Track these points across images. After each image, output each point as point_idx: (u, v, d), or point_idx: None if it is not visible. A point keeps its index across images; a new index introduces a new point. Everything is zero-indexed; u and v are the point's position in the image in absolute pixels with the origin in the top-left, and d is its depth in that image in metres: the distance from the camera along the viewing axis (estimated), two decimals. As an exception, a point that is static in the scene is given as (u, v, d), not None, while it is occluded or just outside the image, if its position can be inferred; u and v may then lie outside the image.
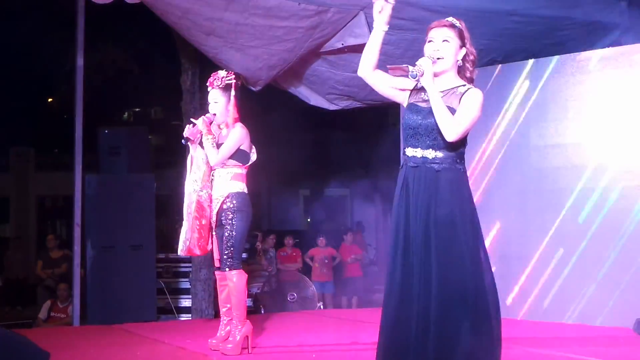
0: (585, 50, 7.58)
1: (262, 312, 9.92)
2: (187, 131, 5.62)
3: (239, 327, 5.50)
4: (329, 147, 15.57)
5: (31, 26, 13.59)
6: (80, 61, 8.37)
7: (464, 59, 3.93)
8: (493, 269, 3.87)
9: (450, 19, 3.94)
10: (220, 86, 5.58)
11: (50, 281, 11.23)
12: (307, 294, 10.57)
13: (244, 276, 5.57)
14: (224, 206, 5.53)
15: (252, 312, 9.07)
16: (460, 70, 3.95)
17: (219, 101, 5.61)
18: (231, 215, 5.51)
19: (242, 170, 5.63)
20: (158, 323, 8.62)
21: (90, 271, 8.96)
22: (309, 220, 20.52)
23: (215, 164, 5.55)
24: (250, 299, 9.54)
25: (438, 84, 3.86)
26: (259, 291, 10.66)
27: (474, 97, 3.83)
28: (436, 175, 3.79)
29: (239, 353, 5.47)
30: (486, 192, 7.65)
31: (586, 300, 6.98)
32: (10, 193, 19.21)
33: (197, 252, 5.71)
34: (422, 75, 3.77)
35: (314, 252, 12.17)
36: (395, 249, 3.82)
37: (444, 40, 3.87)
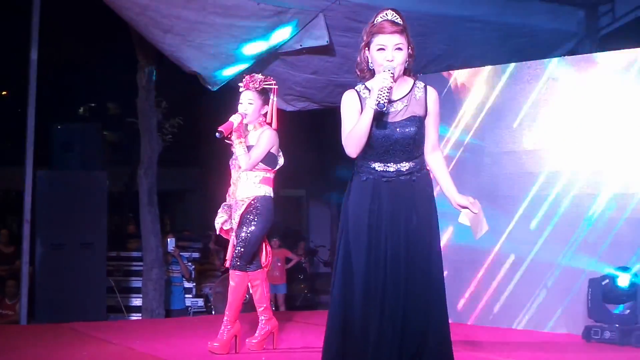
0: (541, 58, 7.66)
1: (213, 313, 9.83)
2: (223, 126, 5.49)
3: (228, 327, 5.58)
4: (286, 148, 15.53)
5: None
6: (34, 55, 8.26)
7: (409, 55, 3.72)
8: (445, 273, 3.88)
9: (390, 14, 3.66)
10: (257, 88, 5.57)
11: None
12: (259, 295, 10.47)
13: (246, 280, 5.58)
14: (249, 209, 5.49)
15: (202, 312, 9.00)
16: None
17: (255, 103, 5.57)
18: (252, 217, 5.50)
19: (270, 175, 5.62)
20: (107, 322, 8.52)
21: (39, 269, 8.82)
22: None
23: (246, 169, 5.51)
24: (201, 299, 9.47)
25: (396, 90, 3.69)
26: (210, 291, 10.57)
27: (437, 99, 3.81)
28: (412, 184, 3.74)
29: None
30: (440, 195, 7.66)
31: (536, 307, 7.04)
32: (-39, 187, 18.83)
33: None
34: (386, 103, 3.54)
35: (266, 254, 11.99)
36: (358, 256, 3.68)
37: (397, 49, 3.63)
